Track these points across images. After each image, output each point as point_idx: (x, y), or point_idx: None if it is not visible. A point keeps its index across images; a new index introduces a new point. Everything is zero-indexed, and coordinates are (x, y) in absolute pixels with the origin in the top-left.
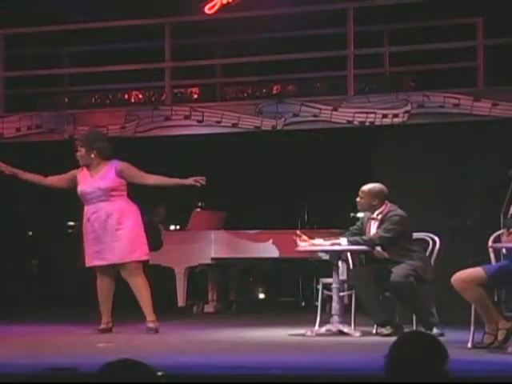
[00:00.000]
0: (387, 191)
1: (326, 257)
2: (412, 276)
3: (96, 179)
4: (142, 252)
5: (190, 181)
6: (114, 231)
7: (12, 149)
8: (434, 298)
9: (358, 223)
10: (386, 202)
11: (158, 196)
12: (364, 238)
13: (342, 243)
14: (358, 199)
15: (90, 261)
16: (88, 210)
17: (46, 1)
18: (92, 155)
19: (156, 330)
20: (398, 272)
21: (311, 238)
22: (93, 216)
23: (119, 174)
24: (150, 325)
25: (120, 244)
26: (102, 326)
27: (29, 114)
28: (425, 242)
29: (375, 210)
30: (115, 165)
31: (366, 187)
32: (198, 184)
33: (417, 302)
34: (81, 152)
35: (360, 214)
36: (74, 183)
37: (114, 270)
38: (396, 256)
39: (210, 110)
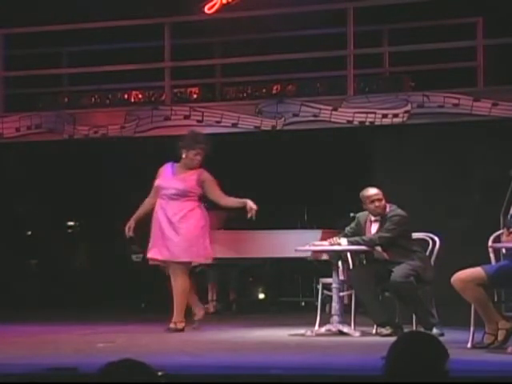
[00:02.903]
0: (383, 194)
1: (325, 257)
2: (412, 276)
3: (177, 180)
4: (190, 255)
5: (249, 204)
6: (173, 229)
7: (12, 149)
8: (434, 298)
9: (353, 224)
10: (386, 202)
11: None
12: (364, 238)
13: (342, 243)
14: (377, 204)
15: (153, 253)
16: (159, 204)
17: (47, 1)
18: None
19: (173, 330)
20: (399, 272)
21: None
22: (160, 211)
23: (199, 184)
24: (170, 325)
25: (174, 242)
26: (171, 324)
27: (28, 114)
28: (425, 242)
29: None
30: (200, 172)
31: (378, 190)
32: (249, 213)
33: (417, 302)
34: (201, 156)
35: (358, 214)
36: None
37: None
38: (396, 256)
39: (209, 109)
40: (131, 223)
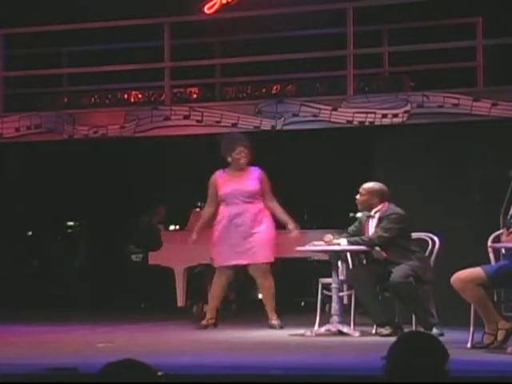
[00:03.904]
0: (388, 191)
1: (325, 257)
2: (411, 276)
3: (241, 182)
4: (272, 254)
5: (293, 226)
6: (252, 232)
7: (11, 149)
8: (434, 298)
9: (356, 223)
10: (385, 201)
11: (157, 196)
12: (363, 238)
13: (342, 243)
14: (357, 196)
15: (226, 260)
16: (230, 210)
17: (47, 1)
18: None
19: (279, 326)
20: (398, 273)
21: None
22: (235, 217)
23: (260, 181)
24: (273, 322)
25: (255, 245)
26: (204, 322)
27: (28, 114)
28: (424, 241)
29: (373, 209)
30: (258, 172)
31: (368, 185)
32: (292, 234)
33: (416, 303)
34: (244, 152)
35: (358, 214)
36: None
37: (235, 272)
38: (395, 256)
39: (209, 109)
40: (194, 236)
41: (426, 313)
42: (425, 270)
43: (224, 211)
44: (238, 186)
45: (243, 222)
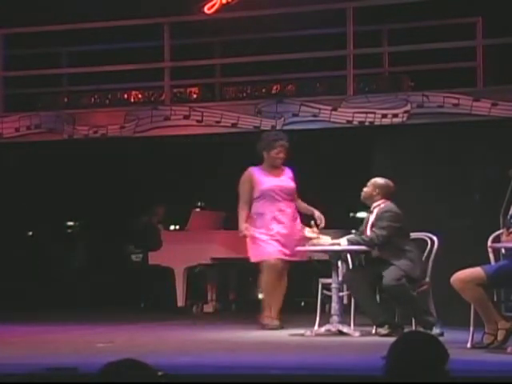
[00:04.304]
0: (392, 190)
1: (325, 257)
2: (404, 277)
3: (282, 180)
4: (301, 254)
5: (317, 214)
6: (295, 229)
7: (11, 149)
8: (433, 298)
9: (364, 222)
10: (387, 198)
11: (157, 196)
12: (364, 237)
13: (342, 243)
14: (364, 188)
15: (274, 254)
16: (272, 206)
17: (47, 1)
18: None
19: (280, 327)
20: (390, 276)
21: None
22: (278, 213)
23: (295, 181)
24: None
25: (295, 242)
26: (276, 322)
27: (28, 114)
28: (423, 241)
29: (374, 202)
30: (291, 171)
31: (374, 178)
32: (319, 221)
33: (412, 303)
34: (283, 153)
35: (359, 214)
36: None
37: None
38: (386, 254)
39: (209, 109)
40: (250, 228)
41: (424, 312)
42: (414, 269)
43: (264, 207)
44: (279, 182)
45: (285, 219)
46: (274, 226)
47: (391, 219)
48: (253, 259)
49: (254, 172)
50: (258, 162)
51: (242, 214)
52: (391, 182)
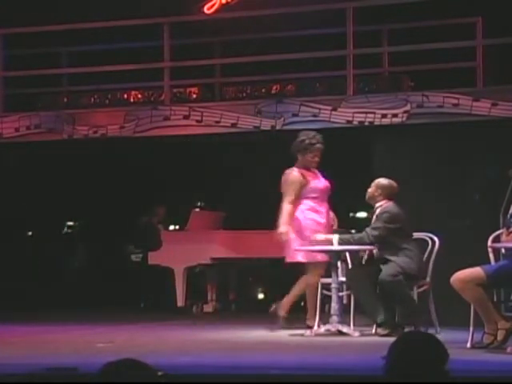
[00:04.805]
0: (395, 190)
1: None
2: (401, 274)
3: (322, 181)
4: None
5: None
6: (330, 229)
7: (11, 149)
8: (433, 298)
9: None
10: (389, 199)
11: (157, 196)
12: (354, 236)
13: (334, 239)
14: (368, 189)
15: (325, 256)
16: (321, 207)
17: (47, 1)
18: None
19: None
20: (387, 271)
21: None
22: (325, 213)
23: None
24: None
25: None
26: (308, 322)
27: (28, 114)
28: (424, 241)
29: (376, 203)
30: (321, 174)
31: (378, 179)
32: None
33: (406, 301)
34: (318, 157)
35: (362, 214)
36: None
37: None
38: (384, 252)
39: (209, 109)
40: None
41: (413, 311)
42: (410, 264)
43: (316, 206)
44: (325, 184)
45: (328, 218)
46: (321, 225)
47: (387, 220)
48: (300, 259)
49: (301, 172)
50: (258, 161)
51: (286, 215)
52: (395, 183)
